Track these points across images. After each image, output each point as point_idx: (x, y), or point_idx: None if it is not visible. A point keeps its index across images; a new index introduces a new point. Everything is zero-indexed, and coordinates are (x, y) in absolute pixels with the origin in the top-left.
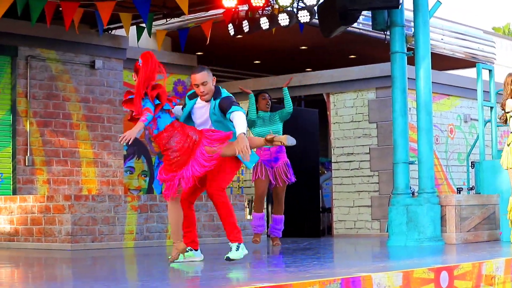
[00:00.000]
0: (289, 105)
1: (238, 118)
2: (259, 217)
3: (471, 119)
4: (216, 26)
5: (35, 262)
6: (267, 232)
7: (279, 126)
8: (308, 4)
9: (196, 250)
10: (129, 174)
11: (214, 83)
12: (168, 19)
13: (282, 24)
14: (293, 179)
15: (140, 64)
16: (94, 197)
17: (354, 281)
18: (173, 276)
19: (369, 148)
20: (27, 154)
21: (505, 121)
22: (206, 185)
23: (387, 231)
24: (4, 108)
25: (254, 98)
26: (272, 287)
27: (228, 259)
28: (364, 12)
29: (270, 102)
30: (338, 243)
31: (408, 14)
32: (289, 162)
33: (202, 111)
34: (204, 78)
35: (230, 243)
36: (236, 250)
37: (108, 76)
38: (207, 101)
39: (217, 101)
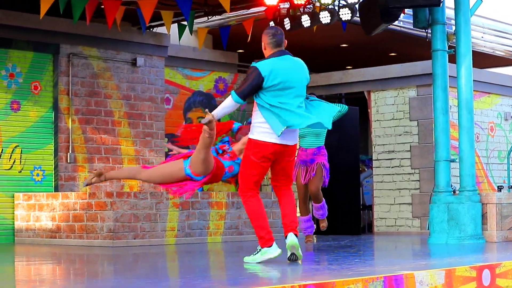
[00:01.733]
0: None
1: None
2: (305, 220)
3: (511, 117)
4: (258, 24)
5: (77, 258)
6: (313, 214)
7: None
8: (349, 2)
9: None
10: None
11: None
12: (209, 17)
13: (323, 22)
14: (326, 183)
15: None
16: (136, 194)
17: (397, 279)
18: (215, 273)
19: (410, 146)
20: (69, 151)
21: None
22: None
23: (428, 229)
24: (46, 105)
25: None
26: (315, 285)
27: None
28: (405, 10)
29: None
30: (379, 240)
31: (449, 12)
32: (327, 165)
33: None
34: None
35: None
36: (254, 254)
37: (150, 74)
38: None
39: None
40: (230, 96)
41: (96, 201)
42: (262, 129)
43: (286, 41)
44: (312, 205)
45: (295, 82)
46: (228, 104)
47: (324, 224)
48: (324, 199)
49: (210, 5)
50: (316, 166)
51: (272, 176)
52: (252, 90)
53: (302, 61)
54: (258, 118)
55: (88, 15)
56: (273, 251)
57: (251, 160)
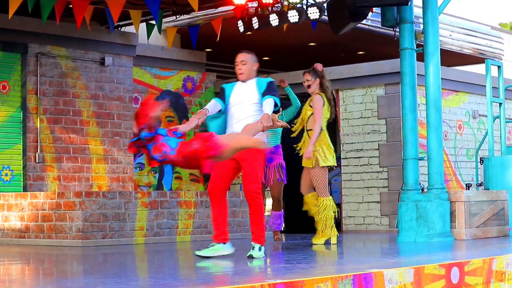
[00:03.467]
0: (295, 101)
1: (267, 103)
2: (278, 216)
3: (479, 115)
4: (226, 23)
5: (46, 258)
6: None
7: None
8: (317, 0)
9: (225, 243)
10: (139, 170)
11: (255, 68)
12: (177, 16)
13: (291, 21)
14: (285, 181)
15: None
16: (105, 194)
17: (366, 277)
18: (184, 272)
19: (378, 144)
20: (37, 151)
21: None
22: (234, 176)
23: (396, 227)
24: (15, 105)
25: (290, 89)
26: (284, 284)
27: (251, 256)
28: (373, 9)
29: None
30: (347, 239)
31: (417, 11)
32: (284, 163)
33: (240, 92)
34: (244, 58)
35: (253, 243)
36: (259, 250)
37: (118, 73)
38: (243, 81)
39: (264, 82)
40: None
41: (65, 201)
42: None
43: None
44: (271, 214)
45: None
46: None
47: (279, 237)
48: (282, 210)
49: (178, 4)
50: (275, 167)
51: None
52: None
53: None
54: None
55: (57, 15)
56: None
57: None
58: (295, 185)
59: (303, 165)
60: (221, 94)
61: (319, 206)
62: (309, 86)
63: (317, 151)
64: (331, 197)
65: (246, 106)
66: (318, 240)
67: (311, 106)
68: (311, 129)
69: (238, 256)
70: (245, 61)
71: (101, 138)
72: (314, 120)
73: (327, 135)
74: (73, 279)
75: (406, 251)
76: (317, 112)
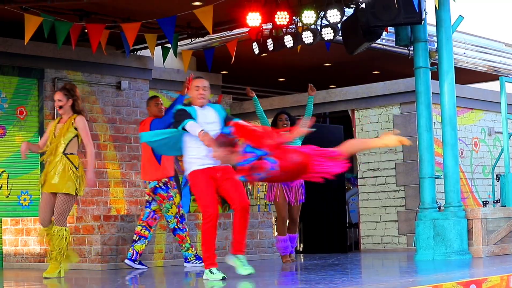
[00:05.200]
0: (309, 112)
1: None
2: (284, 240)
3: (495, 132)
4: (241, 45)
5: (66, 282)
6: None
7: (297, 143)
8: (331, 21)
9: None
10: None
11: None
12: (193, 39)
13: (306, 42)
14: (303, 200)
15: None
16: (123, 217)
17: None
18: None
19: (395, 163)
20: None
21: None
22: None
23: (414, 246)
24: (32, 130)
25: (257, 99)
26: None
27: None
28: (387, 28)
29: (288, 123)
30: (365, 258)
31: (431, 29)
32: (303, 183)
33: (204, 113)
34: (207, 84)
35: (239, 255)
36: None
37: (134, 97)
38: (201, 106)
39: (218, 107)
40: None
41: (83, 225)
42: None
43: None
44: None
45: None
46: None
47: (291, 258)
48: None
49: (193, 27)
50: (297, 187)
51: None
52: None
53: None
54: None
55: (73, 40)
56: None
57: None
58: (311, 205)
59: (49, 190)
60: (189, 116)
61: (54, 235)
62: (60, 107)
63: (79, 177)
64: (68, 227)
65: (216, 126)
66: (50, 274)
67: (76, 129)
68: (72, 153)
69: (256, 276)
70: (207, 88)
71: (119, 162)
72: (85, 143)
73: None
74: None
75: (424, 270)
76: (87, 134)
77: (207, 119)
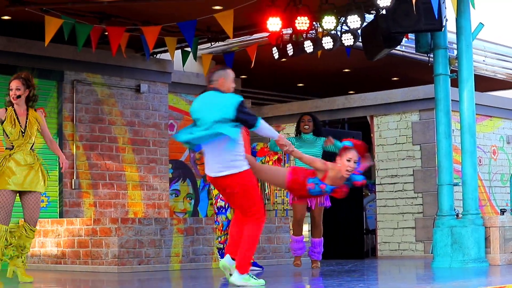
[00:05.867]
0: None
1: None
2: (297, 240)
3: None
4: (260, 50)
5: (82, 285)
6: (308, 254)
7: (318, 151)
8: (352, 27)
9: None
10: (174, 197)
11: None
12: (212, 43)
13: (326, 47)
14: (329, 204)
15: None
16: (141, 220)
17: None
18: None
19: (413, 170)
20: (73, 177)
21: None
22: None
23: (431, 253)
24: (51, 132)
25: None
26: None
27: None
28: (408, 35)
29: (311, 124)
30: (382, 264)
31: (451, 36)
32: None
33: None
34: None
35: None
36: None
37: (154, 100)
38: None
39: None
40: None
41: (101, 227)
42: None
43: (221, 79)
44: (311, 241)
45: (202, 118)
46: None
47: (317, 265)
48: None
49: (213, 31)
50: None
51: None
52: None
53: (226, 97)
54: None
55: (93, 42)
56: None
57: None
58: (328, 210)
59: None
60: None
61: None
62: (18, 97)
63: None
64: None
65: None
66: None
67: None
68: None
69: (273, 282)
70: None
71: (137, 165)
72: (50, 138)
73: None
74: None
75: (441, 277)
76: (45, 126)
77: None
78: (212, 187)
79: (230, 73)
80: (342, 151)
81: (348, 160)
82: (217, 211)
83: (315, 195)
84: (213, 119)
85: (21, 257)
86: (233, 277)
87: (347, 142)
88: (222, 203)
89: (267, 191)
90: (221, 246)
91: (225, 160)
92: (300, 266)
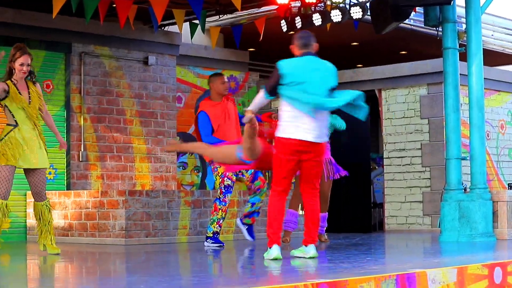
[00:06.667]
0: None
1: None
2: (292, 214)
3: None
4: (269, 22)
5: (89, 257)
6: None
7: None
8: (360, 0)
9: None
10: (182, 169)
11: None
12: (221, 16)
13: (334, 21)
14: (337, 176)
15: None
16: (148, 193)
17: (409, 277)
18: (227, 271)
19: (421, 144)
20: (81, 150)
21: None
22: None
23: (439, 227)
24: (58, 104)
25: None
26: (328, 283)
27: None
28: (416, 8)
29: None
30: (389, 238)
31: (460, 10)
32: (333, 159)
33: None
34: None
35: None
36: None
37: (161, 72)
38: None
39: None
40: (261, 91)
41: (108, 200)
42: (285, 127)
43: (315, 44)
44: None
45: (311, 83)
46: (259, 98)
47: (326, 238)
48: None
49: (222, 4)
50: (326, 163)
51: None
52: (273, 86)
53: (328, 64)
54: (283, 117)
55: (101, 15)
56: (272, 253)
57: (279, 157)
58: (335, 184)
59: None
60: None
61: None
62: (30, 73)
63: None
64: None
65: None
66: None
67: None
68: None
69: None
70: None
71: (145, 137)
72: (46, 111)
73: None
74: (116, 278)
75: (448, 251)
76: (43, 100)
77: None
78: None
79: None
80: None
81: None
82: (224, 190)
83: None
84: (329, 85)
85: (49, 232)
86: (312, 250)
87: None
88: (229, 182)
89: None
90: (218, 229)
91: (324, 128)
92: (288, 242)
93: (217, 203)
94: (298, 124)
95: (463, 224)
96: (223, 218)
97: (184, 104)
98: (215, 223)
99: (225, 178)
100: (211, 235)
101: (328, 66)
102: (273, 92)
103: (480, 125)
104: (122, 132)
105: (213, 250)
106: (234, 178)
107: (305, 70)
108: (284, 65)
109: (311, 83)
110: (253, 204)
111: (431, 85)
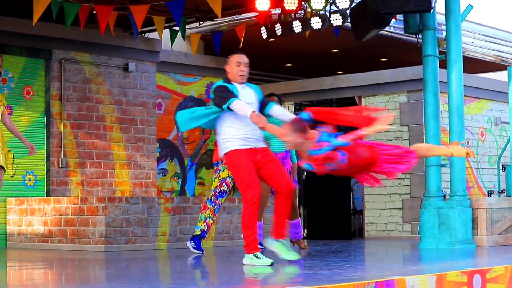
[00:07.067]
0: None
1: (285, 111)
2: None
3: (501, 122)
4: (249, 29)
5: (69, 263)
6: (291, 237)
7: None
8: (340, 7)
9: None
10: (162, 176)
11: None
12: (201, 23)
13: (314, 28)
14: (297, 185)
15: None
16: (128, 199)
17: (388, 284)
18: (206, 278)
19: None
20: (60, 156)
21: None
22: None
23: (418, 234)
24: (38, 110)
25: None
26: None
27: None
28: (396, 16)
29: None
30: (369, 245)
31: (440, 18)
32: (295, 167)
33: (244, 92)
34: (247, 61)
35: (282, 240)
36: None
37: (141, 79)
38: (241, 83)
39: (257, 88)
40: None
41: (88, 206)
42: None
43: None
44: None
45: None
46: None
47: (305, 244)
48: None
49: (202, 11)
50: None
51: None
52: None
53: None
54: None
55: (81, 21)
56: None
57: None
58: (315, 191)
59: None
60: (232, 94)
61: None
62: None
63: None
64: None
65: (255, 107)
66: None
67: None
68: None
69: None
70: (248, 65)
71: (124, 144)
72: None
73: None
74: (95, 284)
75: (428, 258)
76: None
77: (247, 99)
78: (222, 167)
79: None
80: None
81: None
82: (217, 194)
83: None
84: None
85: None
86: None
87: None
88: (226, 188)
89: None
90: (205, 228)
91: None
92: (307, 248)
93: (208, 203)
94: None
95: (443, 231)
96: (211, 219)
97: (164, 110)
98: (202, 221)
99: (223, 184)
100: (199, 233)
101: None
102: None
103: (460, 132)
104: (102, 139)
105: (194, 257)
106: (232, 185)
107: None
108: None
109: None
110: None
111: (411, 92)
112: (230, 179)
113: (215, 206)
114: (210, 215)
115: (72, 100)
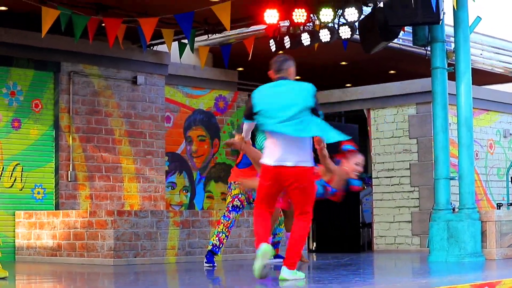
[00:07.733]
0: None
1: None
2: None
3: (510, 134)
4: (257, 42)
5: (78, 277)
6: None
7: None
8: (349, 20)
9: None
10: (170, 189)
11: None
12: (210, 35)
13: (323, 40)
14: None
15: None
16: (137, 213)
17: None
18: None
19: (410, 164)
20: (69, 169)
21: None
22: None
23: (428, 247)
24: (47, 123)
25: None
26: None
27: (282, 279)
28: (405, 28)
29: None
30: (378, 258)
31: (449, 30)
32: None
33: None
34: None
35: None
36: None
37: (150, 92)
38: None
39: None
40: None
41: (97, 220)
42: (265, 153)
43: (290, 68)
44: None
45: (271, 109)
46: (244, 124)
47: (305, 259)
48: None
49: (210, 24)
50: None
51: None
52: (248, 115)
53: (303, 86)
54: (266, 143)
55: (90, 33)
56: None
57: (260, 181)
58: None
59: None
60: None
61: None
62: None
63: None
64: None
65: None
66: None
67: None
68: None
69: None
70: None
71: (133, 157)
72: None
73: None
74: None
75: (437, 271)
76: None
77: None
78: (233, 186)
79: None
80: (348, 154)
81: (357, 164)
82: (230, 209)
83: (317, 197)
84: (298, 108)
85: None
86: (284, 273)
87: (349, 146)
88: (239, 203)
89: None
90: (217, 242)
91: (304, 152)
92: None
93: (222, 218)
94: (274, 150)
95: (452, 244)
96: (225, 234)
97: (173, 123)
98: (215, 235)
99: (236, 199)
100: (210, 247)
101: (300, 88)
102: (250, 118)
103: (469, 145)
104: (110, 152)
105: (206, 270)
106: (245, 203)
107: (269, 96)
108: (255, 95)
109: (271, 109)
110: (275, 234)
111: (420, 104)
112: (243, 195)
113: (230, 220)
114: (223, 229)
115: (81, 113)
